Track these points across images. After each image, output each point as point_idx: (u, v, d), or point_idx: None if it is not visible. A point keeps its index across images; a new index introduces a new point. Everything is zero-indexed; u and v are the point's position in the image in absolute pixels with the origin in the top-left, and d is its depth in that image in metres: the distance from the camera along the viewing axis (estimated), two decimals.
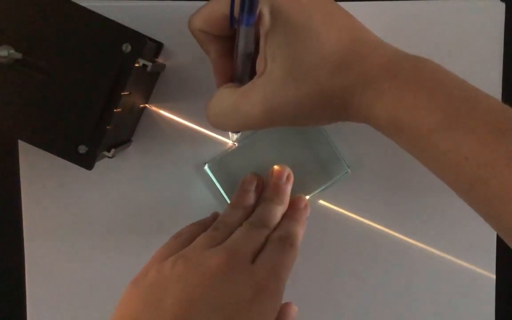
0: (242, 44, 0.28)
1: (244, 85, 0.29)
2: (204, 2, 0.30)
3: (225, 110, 0.30)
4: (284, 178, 0.37)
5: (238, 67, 0.30)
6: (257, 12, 0.26)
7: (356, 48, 0.27)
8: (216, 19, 0.29)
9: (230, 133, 0.39)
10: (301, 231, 0.34)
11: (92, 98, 0.32)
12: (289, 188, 0.37)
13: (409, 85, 0.26)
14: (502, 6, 0.39)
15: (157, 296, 0.27)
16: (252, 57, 0.30)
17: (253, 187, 0.36)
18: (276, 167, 0.37)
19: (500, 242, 0.40)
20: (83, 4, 0.32)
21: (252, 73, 0.30)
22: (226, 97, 0.30)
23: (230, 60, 0.31)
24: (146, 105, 0.39)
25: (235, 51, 0.30)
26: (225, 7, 0.27)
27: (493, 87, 0.39)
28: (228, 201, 0.39)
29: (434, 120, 0.25)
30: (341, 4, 0.39)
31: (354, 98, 0.27)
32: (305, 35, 0.27)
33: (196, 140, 0.39)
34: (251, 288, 0.27)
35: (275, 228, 0.33)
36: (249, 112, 0.28)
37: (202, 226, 0.34)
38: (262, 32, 0.28)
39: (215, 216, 0.36)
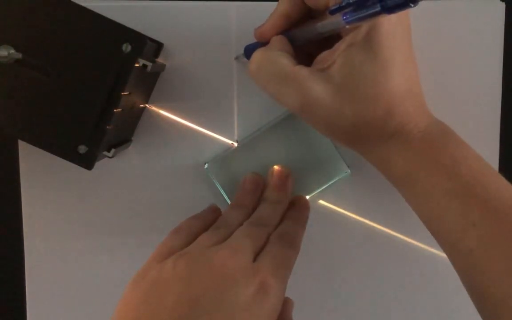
0: (326, 27, 0.29)
1: (301, 67, 0.30)
2: (205, 3, 0.30)
3: (271, 73, 0.30)
4: (284, 178, 0.37)
5: (302, 36, 0.31)
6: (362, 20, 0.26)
7: (406, 102, 0.29)
8: None
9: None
10: (301, 231, 0.34)
11: (92, 98, 0.32)
12: (289, 188, 0.37)
13: (434, 149, 0.29)
14: (502, 6, 0.39)
15: (159, 295, 0.27)
16: (318, 39, 0.30)
17: (253, 187, 0.36)
18: (276, 167, 0.37)
19: None
20: (83, 4, 0.32)
21: (306, 48, 0.32)
22: (279, 64, 0.30)
23: (295, 18, 0.32)
24: (146, 105, 0.39)
25: (310, 22, 0.30)
26: None
27: (493, 87, 0.39)
28: (228, 201, 0.39)
29: (451, 185, 0.28)
30: None
31: (380, 140, 0.30)
32: (381, 67, 0.28)
33: (196, 140, 0.39)
34: (254, 286, 0.27)
35: (276, 228, 0.33)
36: (290, 93, 0.30)
37: (201, 220, 0.34)
38: (348, 37, 0.28)
39: (212, 208, 0.36)
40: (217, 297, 0.26)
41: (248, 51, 0.36)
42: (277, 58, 0.30)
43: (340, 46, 0.29)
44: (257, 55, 0.31)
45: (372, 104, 0.28)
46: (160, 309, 0.26)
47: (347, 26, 0.27)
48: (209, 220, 0.34)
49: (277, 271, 0.28)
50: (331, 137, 0.33)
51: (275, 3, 0.39)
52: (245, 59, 0.36)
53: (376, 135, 0.29)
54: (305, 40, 0.32)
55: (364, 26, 0.28)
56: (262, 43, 0.34)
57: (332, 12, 0.28)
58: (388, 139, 0.29)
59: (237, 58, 0.38)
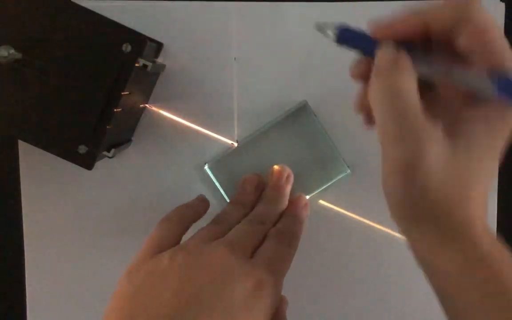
0: (466, 81, 0.24)
1: (432, 122, 0.24)
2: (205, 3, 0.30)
3: (395, 109, 0.24)
4: (284, 178, 0.37)
5: (424, 67, 0.25)
6: None
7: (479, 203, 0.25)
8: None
9: None
10: (299, 229, 0.34)
11: (92, 98, 0.32)
12: (288, 188, 0.37)
13: (485, 265, 0.25)
14: (502, 6, 0.39)
15: (155, 287, 0.27)
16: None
17: (253, 187, 0.36)
18: (276, 167, 0.37)
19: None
20: (83, 4, 0.32)
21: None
22: (409, 105, 0.24)
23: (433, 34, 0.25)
24: (146, 105, 0.39)
25: (441, 58, 0.25)
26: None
27: None
28: (228, 201, 0.39)
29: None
30: (342, 3, 0.39)
31: (452, 225, 0.25)
32: (491, 149, 0.25)
33: (196, 140, 0.39)
34: (251, 283, 0.27)
35: (274, 226, 0.33)
36: (405, 143, 0.24)
37: (191, 208, 0.34)
38: (485, 110, 0.24)
39: (200, 198, 0.36)
40: (214, 293, 0.26)
41: (349, 38, 0.27)
42: (408, 94, 0.24)
43: (475, 115, 0.25)
44: (384, 80, 0.25)
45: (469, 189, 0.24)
46: (156, 302, 0.26)
47: (496, 99, 0.23)
48: (199, 209, 0.34)
49: (274, 268, 0.28)
50: (401, 207, 0.26)
51: (275, 3, 0.39)
52: (330, 35, 0.28)
53: (453, 218, 0.25)
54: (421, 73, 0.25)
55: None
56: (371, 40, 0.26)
57: (501, 89, 0.22)
58: (458, 229, 0.25)
59: (320, 29, 0.29)
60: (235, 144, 0.39)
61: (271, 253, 0.30)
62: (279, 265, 0.29)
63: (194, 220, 0.33)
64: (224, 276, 0.27)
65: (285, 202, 0.36)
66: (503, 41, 0.24)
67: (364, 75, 0.27)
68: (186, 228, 0.32)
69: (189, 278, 0.27)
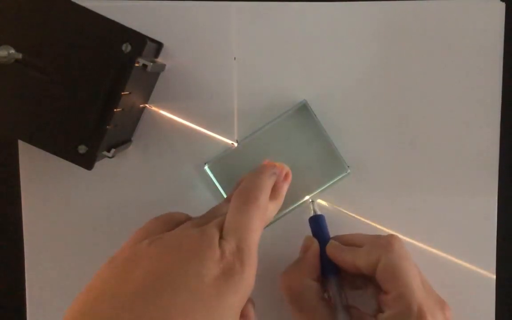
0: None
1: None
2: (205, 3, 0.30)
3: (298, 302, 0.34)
4: (282, 175, 0.36)
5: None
6: None
7: None
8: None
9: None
10: (267, 181, 0.32)
11: (92, 98, 0.32)
12: (285, 186, 0.36)
13: None
14: (502, 6, 0.39)
15: (128, 269, 0.27)
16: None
17: None
18: None
19: (500, 242, 0.40)
20: (83, 4, 0.32)
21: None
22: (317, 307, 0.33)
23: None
24: (146, 105, 0.39)
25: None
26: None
27: (493, 87, 0.39)
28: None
29: None
30: (341, 4, 0.39)
31: None
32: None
33: (196, 140, 0.39)
34: (218, 266, 0.26)
35: None
36: None
37: (186, 215, 0.33)
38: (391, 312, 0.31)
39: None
40: (182, 273, 0.26)
41: (316, 224, 0.37)
42: (312, 298, 0.33)
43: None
44: (285, 276, 0.35)
45: None
46: (126, 283, 0.26)
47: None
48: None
49: (240, 248, 0.28)
50: None
51: (275, 3, 0.39)
52: (311, 210, 0.38)
53: None
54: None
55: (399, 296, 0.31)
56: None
57: None
58: None
59: (311, 202, 0.39)
60: (235, 144, 0.39)
61: (236, 227, 0.28)
62: (245, 241, 0.28)
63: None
64: (192, 257, 0.26)
65: (280, 199, 0.35)
66: (409, 274, 0.31)
67: (304, 249, 0.37)
68: (174, 227, 0.31)
69: (160, 260, 0.26)
